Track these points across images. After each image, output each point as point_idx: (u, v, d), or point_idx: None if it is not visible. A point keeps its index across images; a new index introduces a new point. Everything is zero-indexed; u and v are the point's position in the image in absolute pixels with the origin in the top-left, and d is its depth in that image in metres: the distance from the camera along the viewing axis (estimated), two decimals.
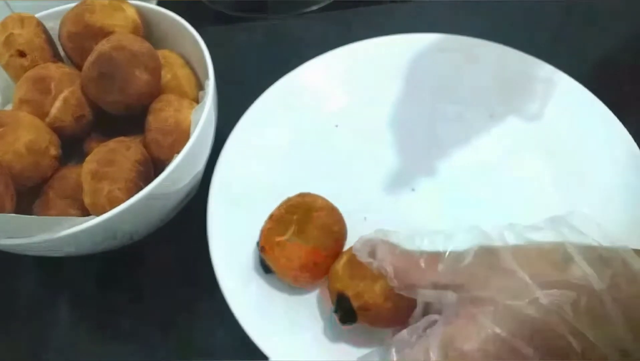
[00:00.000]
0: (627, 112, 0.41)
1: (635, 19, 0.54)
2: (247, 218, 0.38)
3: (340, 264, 0.33)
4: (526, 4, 0.55)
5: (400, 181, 0.42)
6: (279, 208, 0.37)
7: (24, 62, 0.40)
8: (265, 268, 0.36)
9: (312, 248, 0.34)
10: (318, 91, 0.47)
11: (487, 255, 0.26)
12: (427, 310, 0.28)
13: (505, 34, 0.47)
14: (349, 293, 0.31)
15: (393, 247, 0.29)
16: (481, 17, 0.54)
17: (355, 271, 0.31)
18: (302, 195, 0.37)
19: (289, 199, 0.37)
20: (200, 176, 0.40)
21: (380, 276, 0.30)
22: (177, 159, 0.34)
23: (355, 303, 0.31)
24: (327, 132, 0.46)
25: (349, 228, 0.38)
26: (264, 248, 0.35)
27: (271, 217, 0.36)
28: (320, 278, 0.35)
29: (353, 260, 0.32)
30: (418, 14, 0.57)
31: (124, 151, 0.35)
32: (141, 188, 0.33)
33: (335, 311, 0.32)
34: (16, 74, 0.40)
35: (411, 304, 0.29)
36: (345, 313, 0.32)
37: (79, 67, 0.41)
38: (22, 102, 0.38)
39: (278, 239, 0.34)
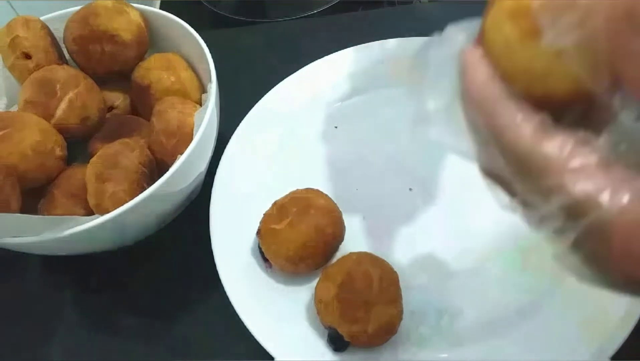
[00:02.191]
0: None
1: None
2: (248, 218, 0.39)
3: (330, 296, 0.32)
4: None
5: (399, 180, 0.42)
6: (284, 197, 0.38)
7: (29, 64, 0.41)
8: (263, 255, 0.37)
9: (300, 243, 0.35)
10: (318, 92, 0.47)
11: None
12: None
13: None
14: (343, 332, 0.32)
15: None
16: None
17: (345, 308, 0.32)
18: (309, 190, 0.38)
19: (295, 191, 0.38)
20: (202, 177, 0.40)
21: (373, 311, 0.31)
22: (180, 161, 0.35)
23: (348, 340, 0.32)
24: (327, 132, 0.46)
25: (347, 227, 0.38)
26: (259, 231, 0.37)
27: (275, 203, 0.38)
28: (305, 272, 0.36)
29: (341, 293, 0.32)
30: (417, 17, 0.58)
31: (128, 153, 0.36)
32: (145, 189, 0.34)
33: (329, 342, 0.33)
34: (21, 76, 0.41)
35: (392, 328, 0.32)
36: (339, 345, 0.33)
37: (83, 69, 0.42)
38: (28, 103, 0.39)
39: (273, 226, 0.36)
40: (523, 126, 0.18)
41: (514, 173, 0.18)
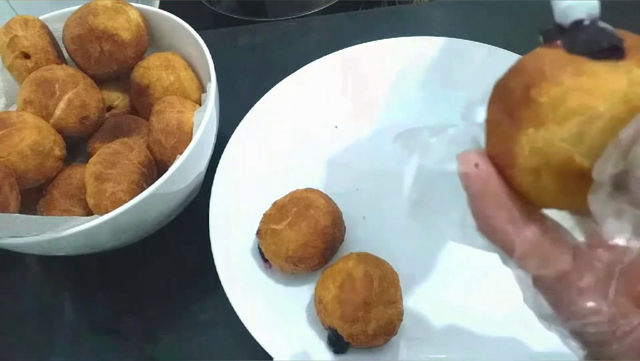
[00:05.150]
0: None
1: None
2: (248, 218, 0.39)
3: (330, 296, 0.33)
4: (525, 4, 0.56)
5: (399, 181, 0.42)
6: (284, 197, 0.38)
7: (28, 63, 0.41)
8: (263, 255, 0.37)
9: (300, 243, 0.35)
10: (318, 92, 0.47)
11: None
12: None
13: (504, 36, 0.48)
14: (343, 333, 0.32)
15: None
16: (482, 19, 0.54)
17: (345, 309, 0.32)
18: (309, 190, 0.38)
19: (295, 191, 0.38)
20: (202, 176, 0.40)
21: (372, 311, 0.31)
22: (180, 160, 0.34)
23: (348, 340, 0.32)
24: (327, 132, 0.46)
25: (348, 227, 0.38)
26: (259, 231, 0.37)
27: (275, 204, 0.37)
28: (305, 272, 0.36)
29: (341, 294, 0.32)
30: (417, 17, 0.58)
31: (127, 153, 0.36)
32: (144, 189, 0.34)
33: (329, 343, 0.33)
34: (20, 76, 0.41)
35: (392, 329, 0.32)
36: (338, 347, 0.33)
37: (82, 68, 0.42)
38: (27, 103, 0.38)
39: (273, 226, 0.36)
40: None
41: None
